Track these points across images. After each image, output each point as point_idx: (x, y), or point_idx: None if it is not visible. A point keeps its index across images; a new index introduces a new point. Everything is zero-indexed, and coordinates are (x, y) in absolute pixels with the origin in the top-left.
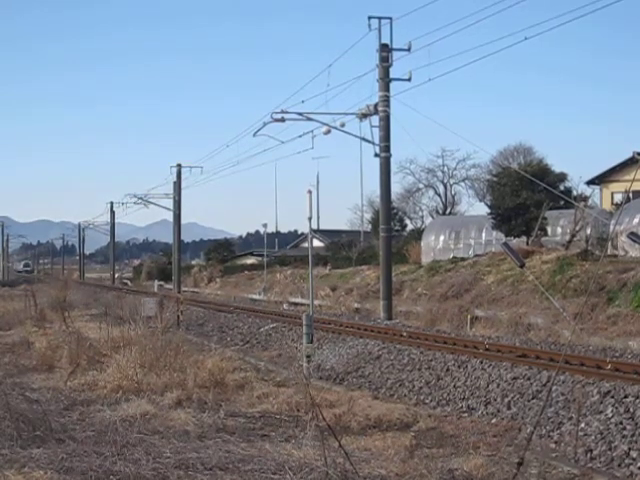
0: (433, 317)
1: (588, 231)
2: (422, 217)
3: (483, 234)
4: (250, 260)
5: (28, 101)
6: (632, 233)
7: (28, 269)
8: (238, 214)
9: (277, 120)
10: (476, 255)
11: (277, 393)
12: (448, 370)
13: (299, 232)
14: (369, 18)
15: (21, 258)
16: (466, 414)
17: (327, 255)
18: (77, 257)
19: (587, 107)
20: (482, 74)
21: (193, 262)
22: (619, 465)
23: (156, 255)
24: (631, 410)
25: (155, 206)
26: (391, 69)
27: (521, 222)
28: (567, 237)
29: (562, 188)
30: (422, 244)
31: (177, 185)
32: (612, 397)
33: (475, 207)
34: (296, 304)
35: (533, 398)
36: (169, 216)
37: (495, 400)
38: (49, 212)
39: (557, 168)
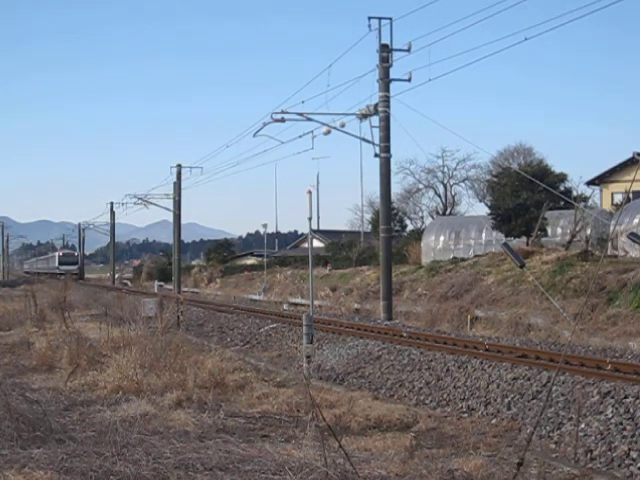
0: (433, 317)
1: (588, 231)
2: (422, 217)
3: (483, 234)
4: (250, 260)
5: (28, 101)
6: (632, 233)
7: (73, 268)
8: (238, 214)
9: (277, 120)
10: (476, 255)
11: (277, 393)
12: (448, 370)
13: (299, 232)
14: (369, 18)
15: (22, 258)
16: (466, 414)
17: (327, 255)
18: None
19: (587, 107)
20: (482, 74)
21: (193, 262)
22: (619, 465)
23: (156, 255)
24: (631, 410)
25: (155, 206)
26: (391, 69)
27: (521, 222)
28: (567, 237)
29: (562, 188)
30: (422, 244)
31: (177, 185)
32: (612, 397)
33: (475, 207)
34: (296, 304)
35: (533, 398)
36: (169, 216)
37: (495, 400)
38: (49, 212)
39: (557, 168)
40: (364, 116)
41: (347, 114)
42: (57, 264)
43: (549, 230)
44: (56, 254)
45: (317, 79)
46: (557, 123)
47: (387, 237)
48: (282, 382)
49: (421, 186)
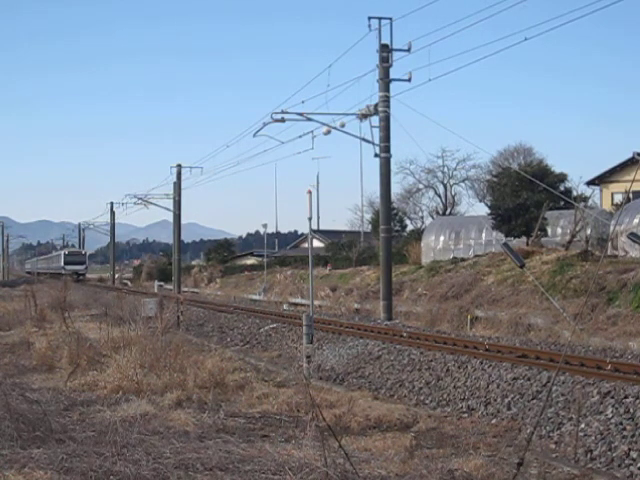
0: (433, 317)
1: (588, 231)
2: (422, 217)
3: (483, 234)
4: (250, 260)
5: (28, 101)
6: (632, 233)
7: (80, 268)
8: (238, 214)
9: (277, 120)
10: (476, 255)
11: (277, 393)
12: (448, 370)
13: (299, 232)
14: (369, 18)
15: (22, 258)
16: (466, 414)
17: (327, 255)
18: None
19: (587, 107)
20: (482, 74)
21: (193, 262)
22: (619, 465)
23: (156, 255)
24: (631, 410)
25: (155, 206)
26: (391, 69)
27: (521, 222)
28: (567, 237)
29: (562, 188)
30: (422, 244)
31: (177, 185)
32: (612, 397)
33: (475, 207)
34: (296, 304)
35: (533, 398)
36: (169, 216)
37: (495, 400)
38: (49, 212)
39: (557, 168)
40: (364, 116)
41: (347, 114)
42: (62, 264)
43: (549, 230)
44: (61, 253)
45: (317, 79)
46: (557, 123)
47: (387, 237)
48: (282, 382)
49: (421, 186)
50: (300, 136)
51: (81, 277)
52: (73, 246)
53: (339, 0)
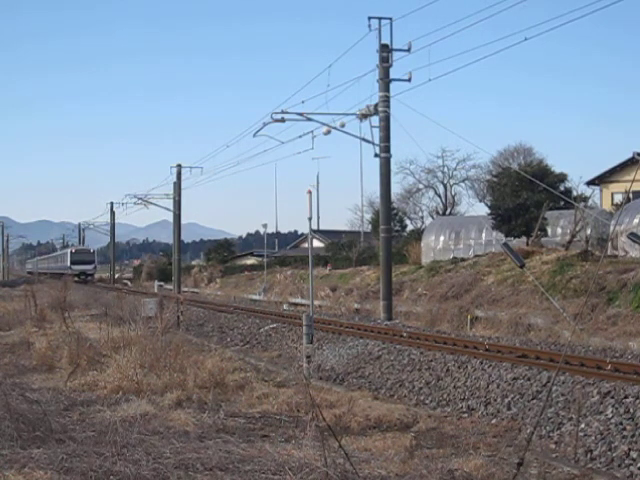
0: (433, 317)
1: (588, 231)
2: (422, 217)
3: (483, 234)
4: (250, 260)
5: (28, 101)
6: (632, 233)
7: (88, 268)
8: (238, 214)
9: (277, 120)
10: (476, 255)
11: (277, 393)
12: (448, 370)
13: (299, 232)
14: (369, 18)
15: (23, 258)
16: (466, 414)
17: (327, 255)
18: None
19: (587, 107)
20: (482, 74)
21: (193, 262)
22: (619, 465)
23: (156, 255)
24: (631, 410)
25: (155, 206)
26: (391, 69)
27: (521, 222)
28: (567, 237)
29: (562, 188)
30: (422, 244)
31: (177, 185)
32: (612, 397)
33: (475, 207)
34: (296, 304)
35: (533, 398)
36: (169, 216)
37: (495, 400)
38: (49, 212)
39: (557, 168)
40: (364, 116)
41: (347, 114)
42: (69, 263)
43: (549, 230)
44: (67, 251)
45: (317, 79)
46: (557, 123)
47: (387, 237)
48: (282, 382)
49: (421, 186)
50: (300, 136)
51: (89, 278)
52: (73, 245)
53: (339, 0)
